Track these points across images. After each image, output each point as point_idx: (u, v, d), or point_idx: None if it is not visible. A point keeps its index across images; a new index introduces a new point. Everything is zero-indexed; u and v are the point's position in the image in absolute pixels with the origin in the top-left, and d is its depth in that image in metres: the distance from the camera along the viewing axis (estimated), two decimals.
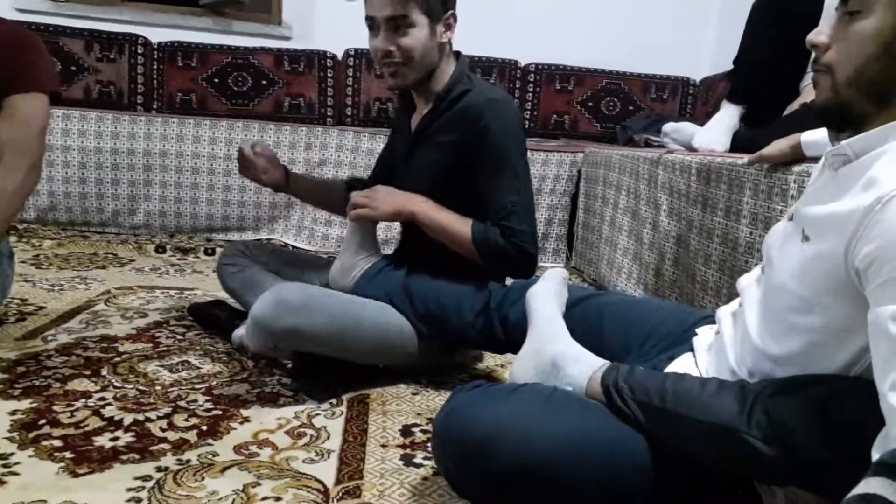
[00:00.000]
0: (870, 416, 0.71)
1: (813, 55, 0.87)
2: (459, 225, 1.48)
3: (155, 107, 3.58)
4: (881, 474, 0.60)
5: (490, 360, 1.74)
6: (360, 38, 3.55)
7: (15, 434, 1.18)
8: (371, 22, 1.46)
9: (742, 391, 0.87)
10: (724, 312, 1.06)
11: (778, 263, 0.91)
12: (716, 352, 1.02)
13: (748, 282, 1.02)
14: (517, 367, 1.10)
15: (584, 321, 1.23)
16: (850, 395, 0.77)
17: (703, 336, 1.09)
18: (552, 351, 1.07)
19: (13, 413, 1.26)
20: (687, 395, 0.90)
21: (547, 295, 1.20)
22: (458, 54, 1.56)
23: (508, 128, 1.47)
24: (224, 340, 1.71)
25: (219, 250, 2.35)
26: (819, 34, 0.84)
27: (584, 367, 1.02)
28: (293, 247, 2.99)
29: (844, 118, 0.83)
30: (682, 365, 1.06)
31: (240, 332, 1.60)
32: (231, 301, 1.86)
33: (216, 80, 3.59)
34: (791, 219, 0.93)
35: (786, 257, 0.89)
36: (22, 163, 1.52)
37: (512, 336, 1.38)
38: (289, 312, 1.35)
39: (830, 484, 0.77)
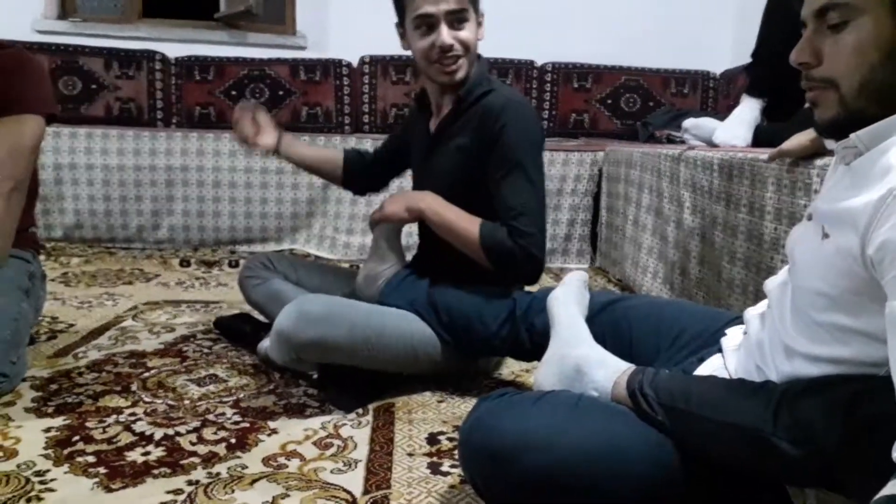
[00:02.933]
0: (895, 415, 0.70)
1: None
2: (467, 223, 1.47)
3: (174, 122, 3.63)
4: None
5: (515, 366, 1.74)
6: (375, 45, 3.58)
7: (50, 451, 1.20)
8: (429, 19, 1.46)
9: (767, 392, 0.86)
10: (752, 314, 1.05)
11: (801, 263, 0.90)
12: (744, 351, 1.01)
13: (775, 283, 1.01)
14: (541, 373, 1.09)
15: (611, 324, 1.23)
16: (875, 394, 0.75)
17: (732, 336, 1.08)
18: (575, 356, 1.06)
19: (48, 430, 1.28)
20: (711, 398, 0.90)
21: (568, 299, 1.19)
22: (478, 55, 1.58)
23: (525, 130, 1.47)
24: (250, 353, 1.73)
25: (242, 262, 2.37)
26: (802, 52, 0.82)
27: (608, 372, 1.02)
28: (315, 256, 3.01)
29: (857, 128, 0.80)
30: (711, 366, 1.05)
31: (265, 345, 1.61)
32: (255, 313, 1.87)
33: (233, 93, 3.63)
34: (810, 218, 0.92)
35: (808, 257, 0.88)
36: (2, 186, 1.50)
37: (538, 343, 1.36)
38: (311, 324, 1.36)
39: (856, 484, 0.76)
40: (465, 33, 1.48)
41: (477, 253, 1.47)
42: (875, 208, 0.72)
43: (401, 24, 1.55)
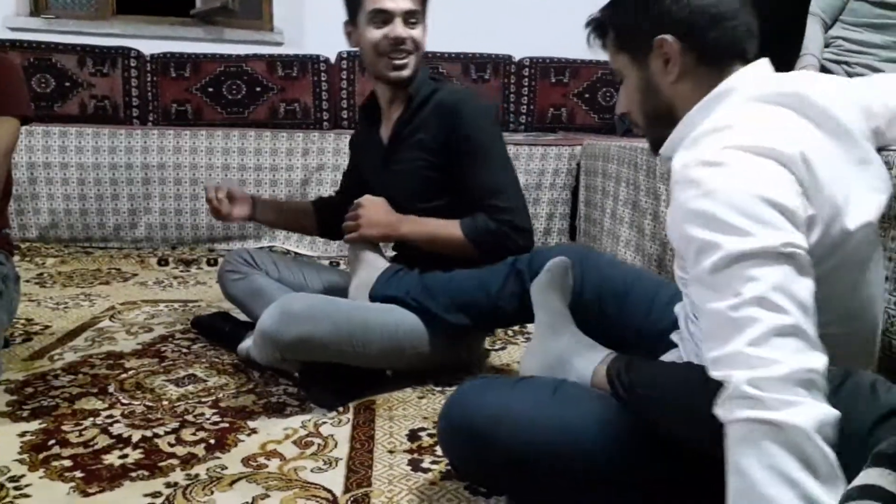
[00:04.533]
0: (856, 403, 0.74)
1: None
2: (449, 229, 1.53)
3: (151, 119, 3.59)
4: (880, 464, 0.60)
5: (496, 360, 1.74)
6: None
7: (25, 456, 1.19)
8: (385, 15, 1.53)
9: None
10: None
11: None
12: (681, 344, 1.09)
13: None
14: (526, 362, 1.15)
15: (594, 303, 1.28)
16: (833, 381, 0.78)
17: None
18: (557, 346, 1.11)
19: (23, 435, 1.26)
20: (688, 387, 0.91)
21: (550, 286, 1.21)
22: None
23: (484, 118, 1.56)
24: (229, 352, 1.72)
25: (220, 260, 2.36)
26: (619, 106, 1.10)
27: (587, 361, 1.06)
28: (295, 254, 3.00)
29: (662, 144, 1.00)
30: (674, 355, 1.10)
31: (246, 345, 1.61)
32: (234, 311, 1.86)
33: (210, 90, 3.59)
34: None
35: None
36: None
37: None
38: (294, 322, 1.35)
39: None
40: (418, 33, 1.56)
41: (466, 250, 1.51)
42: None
43: (351, 22, 1.61)
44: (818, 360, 0.71)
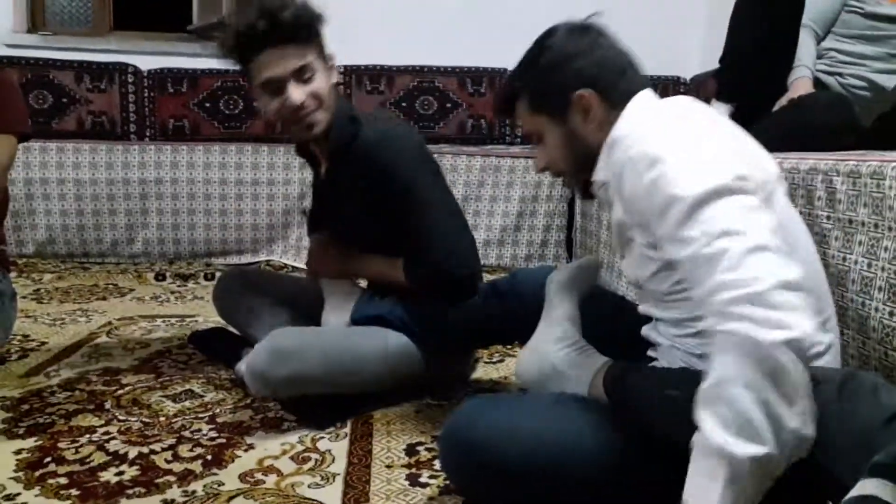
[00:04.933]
0: (857, 406, 0.75)
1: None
2: (394, 273, 1.51)
3: (148, 134, 3.59)
4: (878, 475, 0.60)
5: (494, 373, 1.74)
6: (349, 56, 3.57)
7: (20, 473, 1.18)
8: (275, 84, 1.40)
9: None
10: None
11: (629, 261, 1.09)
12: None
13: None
14: (523, 363, 1.17)
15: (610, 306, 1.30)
16: (833, 382, 0.81)
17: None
18: (555, 356, 1.12)
19: (18, 452, 1.26)
20: (676, 399, 0.93)
21: (564, 285, 1.20)
22: (337, 95, 1.53)
23: (404, 157, 1.46)
24: (226, 368, 1.71)
25: (218, 274, 2.35)
26: (538, 164, 1.14)
27: (583, 372, 1.08)
28: (292, 267, 2.99)
29: (589, 185, 1.10)
30: None
31: (242, 368, 1.58)
32: (230, 327, 1.86)
33: (207, 105, 3.60)
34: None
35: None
36: None
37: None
38: (284, 361, 1.35)
39: (822, 476, 0.78)
40: (316, 85, 1.43)
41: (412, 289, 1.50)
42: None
43: (250, 84, 1.49)
44: (793, 272, 0.76)
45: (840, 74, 2.12)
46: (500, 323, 1.44)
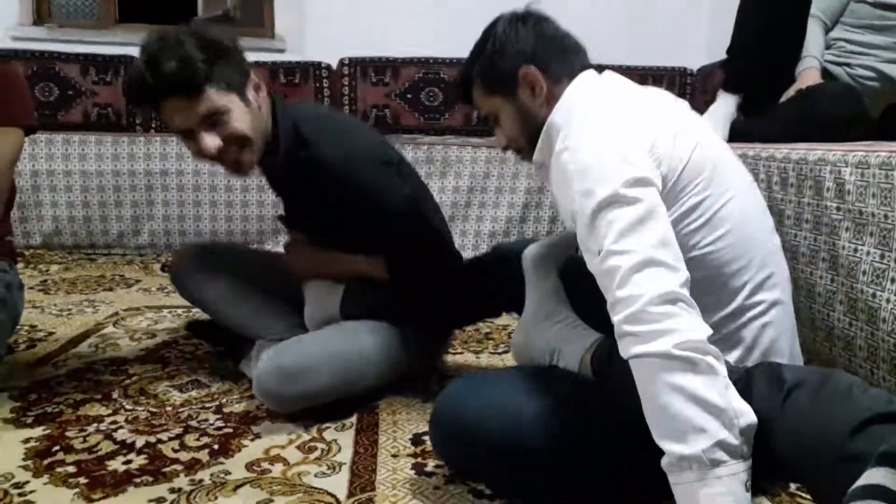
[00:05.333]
0: (832, 409, 0.76)
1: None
2: (376, 270, 1.48)
3: (153, 126, 3.59)
4: (885, 464, 0.60)
5: (488, 359, 1.74)
6: (354, 47, 3.58)
7: (29, 462, 1.19)
8: (186, 133, 1.34)
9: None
10: None
11: None
12: None
13: None
14: (516, 344, 1.21)
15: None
16: (808, 385, 0.83)
17: None
18: (547, 334, 1.15)
19: (27, 441, 1.26)
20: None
21: (539, 260, 1.21)
22: (272, 103, 1.45)
23: (354, 164, 1.39)
24: (232, 361, 1.69)
25: (171, 260, 2.27)
26: (498, 143, 1.24)
27: (575, 348, 1.11)
28: None
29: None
30: None
31: (250, 370, 1.56)
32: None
33: None
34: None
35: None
36: None
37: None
38: (294, 380, 1.33)
39: (798, 476, 0.84)
40: (234, 125, 1.33)
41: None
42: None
43: None
44: (674, 280, 0.84)
45: (848, 65, 2.10)
46: (486, 296, 1.48)
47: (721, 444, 0.78)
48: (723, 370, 0.82)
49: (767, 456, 0.81)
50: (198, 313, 2.12)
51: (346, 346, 1.44)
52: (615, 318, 0.85)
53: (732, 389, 0.82)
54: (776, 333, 1.02)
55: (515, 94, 1.14)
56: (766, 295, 1.02)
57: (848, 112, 1.83)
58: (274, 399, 1.35)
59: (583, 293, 1.15)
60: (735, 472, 0.78)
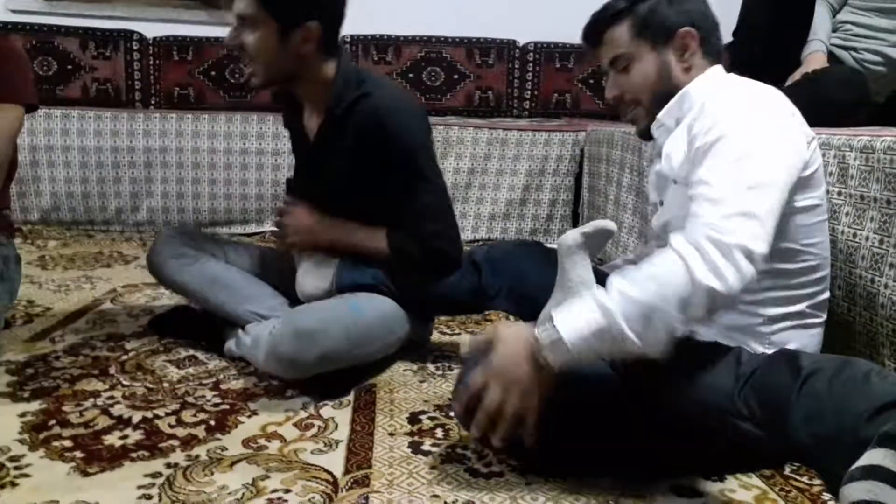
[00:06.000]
0: (849, 396, 0.76)
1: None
2: (375, 243, 1.50)
3: (153, 102, 3.58)
4: (885, 445, 0.60)
5: None
6: (356, 23, 3.54)
7: (25, 436, 1.18)
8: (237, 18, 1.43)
9: (737, 365, 0.93)
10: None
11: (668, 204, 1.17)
12: None
13: (654, 231, 1.25)
14: None
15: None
16: (826, 371, 0.81)
17: None
18: None
19: (23, 415, 1.26)
20: (684, 369, 0.96)
21: (575, 248, 1.19)
22: (339, 58, 1.49)
23: (411, 131, 1.45)
24: (206, 349, 1.64)
25: (151, 243, 2.24)
26: (611, 91, 1.18)
27: None
28: None
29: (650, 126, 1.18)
30: None
31: (234, 349, 1.56)
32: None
33: (213, 73, 3.58)
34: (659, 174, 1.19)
35: (670, 198, 1.15)
36: None
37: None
38: (311, 343, 1.32)
39: (815, 462, 0.81)
40: (248, 39, 1.40)
41: (386, 261, 1.49)
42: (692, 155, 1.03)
43: None
44: (761, 247, 0.89)
45: (854, 49, 2.09)
46: (473, 294, 1.47)
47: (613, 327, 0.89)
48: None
49: (784, 441, 0.81)
50: (167, 305, 2.08)
51: (352, 310, 1.43)
52: (703, 229, 0.89)
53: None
54: (815, 346, 1.12)
55: (665, 48, 1.13)
56: (822, 313, 1.12)
57: (853, 96, 1.82)
58: (288, 363, 1.34)
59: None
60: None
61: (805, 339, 1.09)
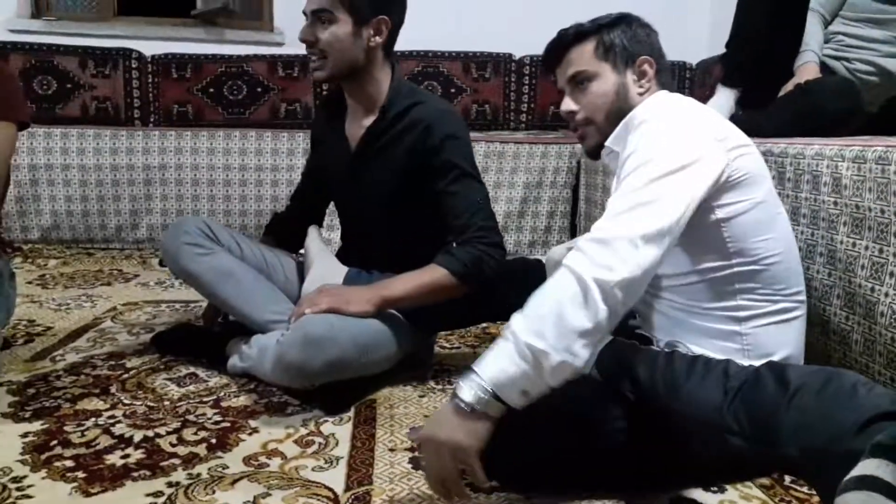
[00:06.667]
0: (836, 408, 0.77)
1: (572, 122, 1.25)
2: (431, 275, 1.43)
3: (152, 120, 3.59)
4: (878, 455, 0.61)
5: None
6: None
7: (27, 456, 1.19)
8: (305, 16, 1.51)
9: (726, 379, 0.94)
10: None
11: None
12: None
13: None
14: None
15: None
16: (813, 385, 0.82)
17: None
18: None
19: (25, 435, 1.27)
20: (673, 383, 0.98)
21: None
22: (393, 65, 1.57)
23: (461, 139, 1.50)
24: (208, 367, 1.64)
25: (169, 227, 2.18)
26: (568, 106, 1.23)
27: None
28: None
29: (601, 147, 1.23)
30: None
31: (237, 363, 1.55)
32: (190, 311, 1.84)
33: (211, 91, 3.60)
34: None
35: None
36: None
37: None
38: (320, 350, 1.32)
39: (805, 474, 0.83)
40: (324, 34, 1.47)
41: (455, 290, 1.43)
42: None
43: None
44: (653, 224, 0.94)
45: (847, 59, 2.10)
46: (476, 310, 1.52)
47: (542, 353, 0.88)
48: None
49: (774, 455, 0.82)
50: (199, 310, 2.13)
51: (363, 320, 1.42)
52: (589, 234, 0.95)
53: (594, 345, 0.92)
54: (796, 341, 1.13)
55: (624, 71, 1.20)
56: (801, 308, 1.13)
57: (845, 107, 1.83)
58: (296, 371, 1.34)
59: None
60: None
61: (784, 336, 1.10)
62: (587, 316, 0.88)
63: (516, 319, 0.91)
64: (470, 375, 0.92)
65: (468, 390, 0.91)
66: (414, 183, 1.51)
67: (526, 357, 0.88)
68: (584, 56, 1.21)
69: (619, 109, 1.19)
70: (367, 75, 1.53)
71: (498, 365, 0.90)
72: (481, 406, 0.90)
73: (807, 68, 2.02)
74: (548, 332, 0.88)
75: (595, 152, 1.25)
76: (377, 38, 1.50)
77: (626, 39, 1.20)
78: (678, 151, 1.00)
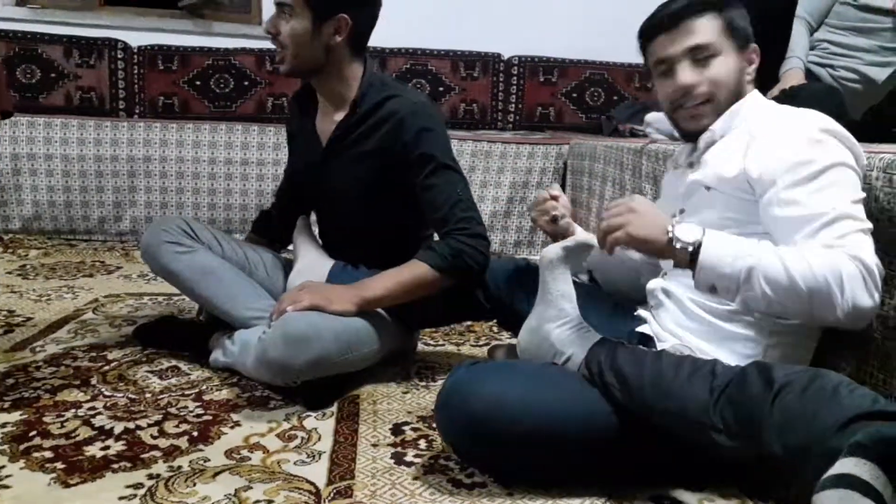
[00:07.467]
0: (818, 408, 0.78)
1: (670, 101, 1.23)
2: (413, 271, 1.42)
3: (137, 111, 3.56)
4: (856, 454, 0.62)
5: (469, 351, 1.75)
6: None
7: (6, 447, 1.18)
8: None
9: (712, 378, 0.95)
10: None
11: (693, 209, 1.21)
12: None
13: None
14: (522, 343, 1.22)
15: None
16: (797, 384, 0.83)
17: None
18: (553, 336, 1.16)
19: (3, 426, 1.25)
20: (661, 381, 0.99)
21: (557, 262, 1.21)
22: (364, 58, 1.56)
23: (437, 133, 1.49)
24: (189, 360, 1.63)
25: (149, 227, 2.15)
26: (690, 78, 1.16)
27: (578, 350, 1.12)
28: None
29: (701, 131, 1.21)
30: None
31: (220, 358, 1.54)
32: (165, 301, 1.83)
33: (198, 83, 3.58)
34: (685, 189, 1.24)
35: (700, 203, 1.18)
36: None
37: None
38: (302, 347, 1.31)
39: (788, 471, 0.84)
40: (285, 27, 1.47)
41: (438, 284, 1.42)
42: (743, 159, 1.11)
43: None
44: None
45: (832, 66, 2.13)
46: (465, 308, 1.52)
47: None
48: None
49: (758, 452, 0.83)
50: (182, 303, 2.12)
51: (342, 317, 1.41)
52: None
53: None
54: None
55: (740, 55, 1.18)
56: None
57: (829, 113, 1.85)
58: (278, 368, 1.33)
59: (587, 304, 1.23)
60: None
61: (803, 348, 1.15)
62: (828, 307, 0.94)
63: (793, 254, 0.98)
64: (697, 235, 1.01)
65: (688, 232, 1.01)
66: (390, 177, 1.50)
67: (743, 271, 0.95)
68: (711, 29, 1.16)
69: (737, 94, 1.17)
70: (334, 72, 1.53)
71: (725, 249, 0.98)
72: (680, 245, 1.00)
73: (792, 74, 2.05)
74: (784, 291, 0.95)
75: (695, 135, 1.21)
76: (337, 36, 1.48)
77: (744, 22, 1.17)
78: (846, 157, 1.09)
